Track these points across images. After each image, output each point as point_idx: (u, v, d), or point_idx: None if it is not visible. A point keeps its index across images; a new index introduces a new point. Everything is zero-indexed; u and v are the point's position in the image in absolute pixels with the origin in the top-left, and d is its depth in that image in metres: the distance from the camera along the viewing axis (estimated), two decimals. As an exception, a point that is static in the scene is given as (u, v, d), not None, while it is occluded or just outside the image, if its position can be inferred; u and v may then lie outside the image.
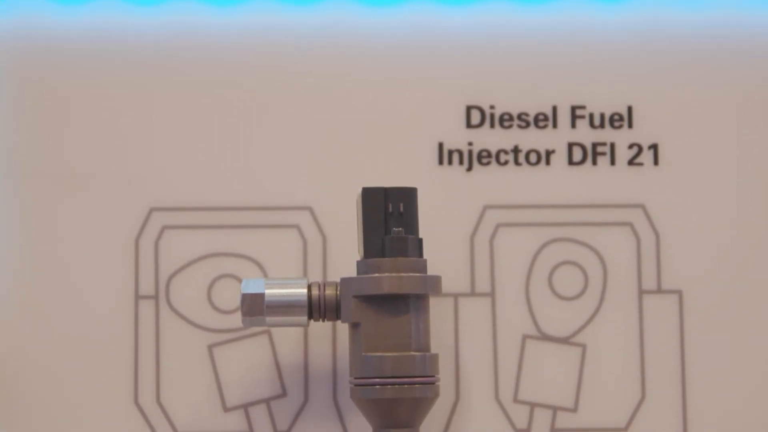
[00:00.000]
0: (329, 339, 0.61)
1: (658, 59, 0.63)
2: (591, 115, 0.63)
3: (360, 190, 0.56)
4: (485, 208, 0.62)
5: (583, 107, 0.63)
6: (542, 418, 0.61)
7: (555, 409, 0.61)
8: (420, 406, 0.56)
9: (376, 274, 0.55)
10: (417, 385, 0.55)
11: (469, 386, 0.61)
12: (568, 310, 0.62)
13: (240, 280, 0.60)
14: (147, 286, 0.61)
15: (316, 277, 0.61)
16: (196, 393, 0.61)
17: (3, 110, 0.62)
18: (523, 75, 0.63)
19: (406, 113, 0.62)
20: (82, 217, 0.61)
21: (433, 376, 0.56)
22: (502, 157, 0.63)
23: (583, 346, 0.62)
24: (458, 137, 0.63)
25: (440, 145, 0.62)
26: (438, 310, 0.61)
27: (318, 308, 0.56)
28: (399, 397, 0.55)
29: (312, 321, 0.57)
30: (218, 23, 0.63)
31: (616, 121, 0.63)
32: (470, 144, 0.63)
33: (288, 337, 0.61)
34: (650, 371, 0.62)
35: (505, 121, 0.63)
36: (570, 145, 0.63)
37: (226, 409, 0.61)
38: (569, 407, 0.61)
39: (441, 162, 0.62)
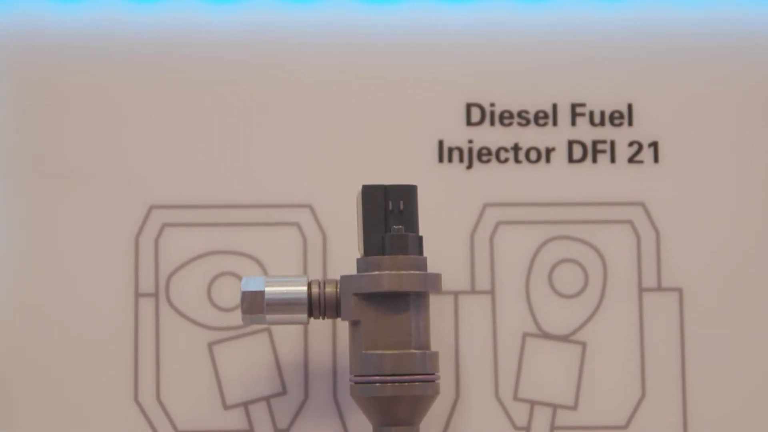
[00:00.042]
0: (329, 337, 0.61)
1: (659, 57, 0.63)
2: (591, 113, 0.63)
3: (360, 188, 0.56)
4: (485, 205, 0.62)
5: (583, 105, 0.63)
6: (542, 416, 0.61)
7: (555, 407, 0.61)
8: (420, 403, 0.56)
9: (376, 272, 0.55)
10: (417, 383, 0.55)
11: (469, 384, 0.61)
12: (568, 308, 0.62)
13: (240, 278, 0.60)
14: (147, 284, 0.61)
15: (316, 274, 0.61)
16: (196, 391, 0.61)
17: (3, 108, 0.62)
18: (523, 72, 0.63)
19: (407, 111, 0.62)
20: (81, 215, 0.61)
21: (433, 374, 0.56)
22: (502, 155, 0.63)
23: (583, 344, 0.62)
24: (458, 135, 0.63)
25: (440, 143, 0.62)
26: (438, 307, 0.61)
27: (318, 306, 0.56)
28: (399, 394, 0.55)
29: (312, 319, 0.57)
30: (218, 21, 0.63)
31: (616, 118, 0.63)
32: (470, 142, 0.63)
33: (288, 334, 0.61)
34: (650, 369, 0.62)
35: (506, 118, 0.63)
36: (570, 143, 0.63)
37: (226, 407, 0.61)
38: (569, 405, 0.61)
39: (441, 160, 0.62)
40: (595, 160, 0.63)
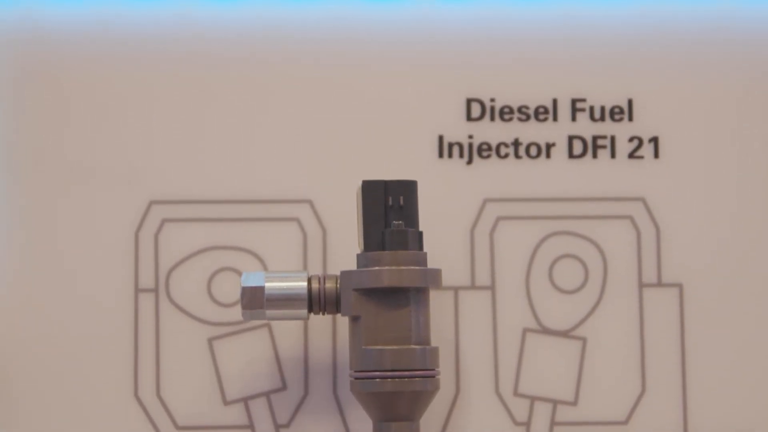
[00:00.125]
0: (329, 332, 0.61)
1: (659, 52, 0.63)
2: (591, 108, 0.63)
3: (360, 183, 0.56)
4: (485, 201, 0.62)
5: (583, 100, 0.63)
6: (542, 411, 0.61)
7: (555, 402, 0.61)
8: (420, 399, 0.55)
9: (376, 267, 0.55)
10: (417, 379, 0.55)
11: (469, 380, 0.61)
12: (568, 304, 0.62)
13: (240, 274, 0.60)
14: (147, 280, 0.61)
15: (316, 270, 0.61)
16: (196, 386, 0.61)
17: (2, 103, 0.62)
18: (523, 68, 0.63)
19: (407, 106, 0.62)
20: (81, 210, 0.61)
21: (433, 370, 0.56)
22: (503, 150, 0.62)
23: (584, 340, 0.62)
24: (458, 130, 0.63)
25: (440, 138, 0.62)
26: (438, 303, 0.61)
27: (318, 301, 0.56)
28: (399, 390, 0.55)
29: (312, 314, 0.57)
30: (217, 17, 0.63)
31: (616, 114, 0.63)
32: (470, 137, 0.63)
33: (288, 330, 0.61)
34: (650, 365, 0.61)
35: (506, 114, 0.63)
36: (570, 138, 0.63)
37: (226, 403, 0.61)
38: (569, 401, 0.61)
39: (441, 155, 0.62)
40: (595, 156, 0.63)
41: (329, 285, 0.56)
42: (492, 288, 0.62)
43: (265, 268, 0.61)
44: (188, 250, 0.62)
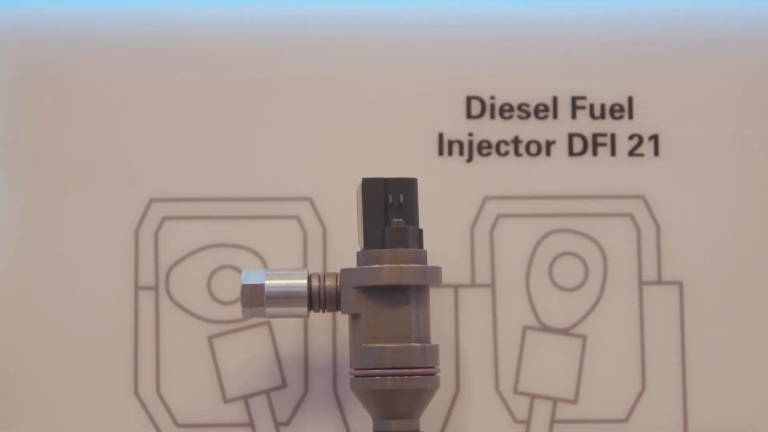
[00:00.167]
0: (329, 330, 0.61)
1: (659, 50, 0.63)
2: (591, 106, 0.63)
3: (360, 181, 0.56)
4: (485, 198, 0.62)
5: (583, 98, 0.63)
6: (542, 409, 0.61)
7: (555, 400, 0.61)
8: (420, 397, 0.55)
9: (376, 265, 0.55)
10: (417, 376, 0.55)
11: (469, 377, 0.61)
12: (568, 302, 0.62)
13: (240, 271, 0.60)
14: (147, 277, 0.61)
15: (316, 268, 0.61)
16: (196, 384, 0.61)
17: (2, 102, 0.62)
18: (523, 65, 0.63)
19: (406, 104, 0.62)
20: (81, 208, 0.61)
21: (433, 367, 0.56)
22: (503, 148, 0.62)
23: (584, 338, 0.62)
24: (458, 128, 0.63)
25: (440, 136, 0.62)
26: (438, 301, 0.61)
27: (318, 299, 0.56)
28: (399, 388, 0.55)
29: (312, 312, 0.57)
30: (217, 15, 0.63)
31: (616, 111, 0.63)
32: (470, 135, 0.63)
33: (288, 328, 0.61)
34: (650, 363, 0.61)
35: (506, 111, 0.63)
36: (570, 136, 0.63)
37: (226, 400, 0.61)
38: (569, 399, 0.61)
39: (441, 153, 0.62)
40: (595, 153, 0.63)
41: (329, 283, 0.56)
42: (492, 286, 0.62)
43: (265, 266, 0.61)
44: (188, 247, 0.62)
